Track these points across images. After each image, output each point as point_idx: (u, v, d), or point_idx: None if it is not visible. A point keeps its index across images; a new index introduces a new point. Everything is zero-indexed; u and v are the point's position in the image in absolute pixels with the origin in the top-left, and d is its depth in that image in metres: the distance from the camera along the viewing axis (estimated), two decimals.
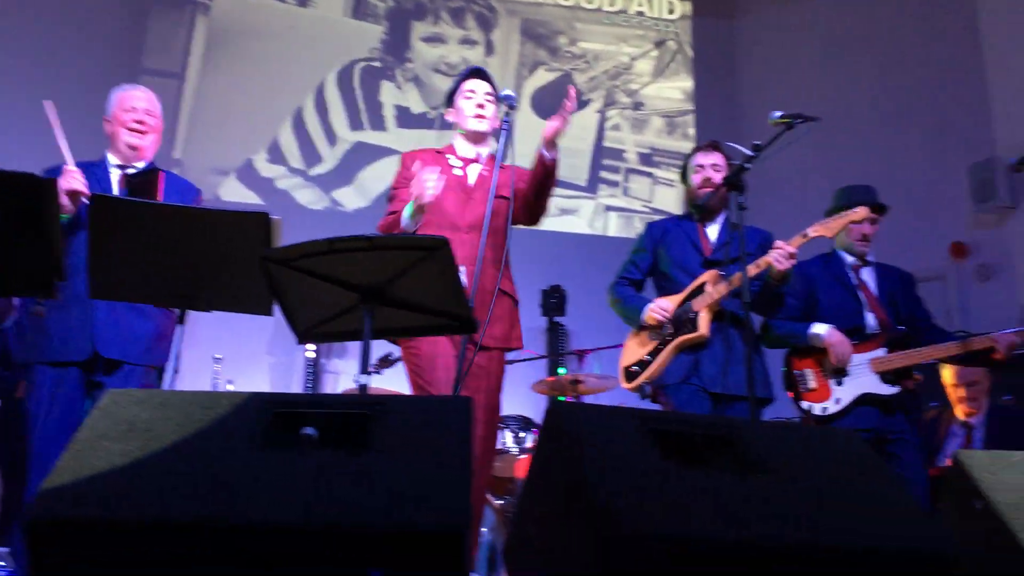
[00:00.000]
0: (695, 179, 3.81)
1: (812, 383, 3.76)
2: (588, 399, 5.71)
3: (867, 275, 3.96)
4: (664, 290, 3.79)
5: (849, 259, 3.98)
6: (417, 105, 7.30)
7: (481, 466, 3.01)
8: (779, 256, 3.35)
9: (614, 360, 6.25)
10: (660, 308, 3.62)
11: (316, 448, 1.62)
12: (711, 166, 3.76)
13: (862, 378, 3.68)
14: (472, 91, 3.33)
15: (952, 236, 6.49)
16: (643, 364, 3.68)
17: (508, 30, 7.95)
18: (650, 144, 8.03)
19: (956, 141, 6.37)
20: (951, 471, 2.11)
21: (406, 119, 7.27)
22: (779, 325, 3.86)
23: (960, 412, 4.56)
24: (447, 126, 3.54)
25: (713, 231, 3.79)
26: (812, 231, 3.45)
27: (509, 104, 3.07)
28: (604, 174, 7.86)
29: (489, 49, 7.84)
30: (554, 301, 6.81)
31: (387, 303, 2.43)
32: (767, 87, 7.82)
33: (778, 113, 3.22)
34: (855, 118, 7.20)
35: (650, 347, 3.68)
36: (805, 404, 3.75)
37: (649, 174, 7.94)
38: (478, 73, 3.39)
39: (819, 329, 3.75)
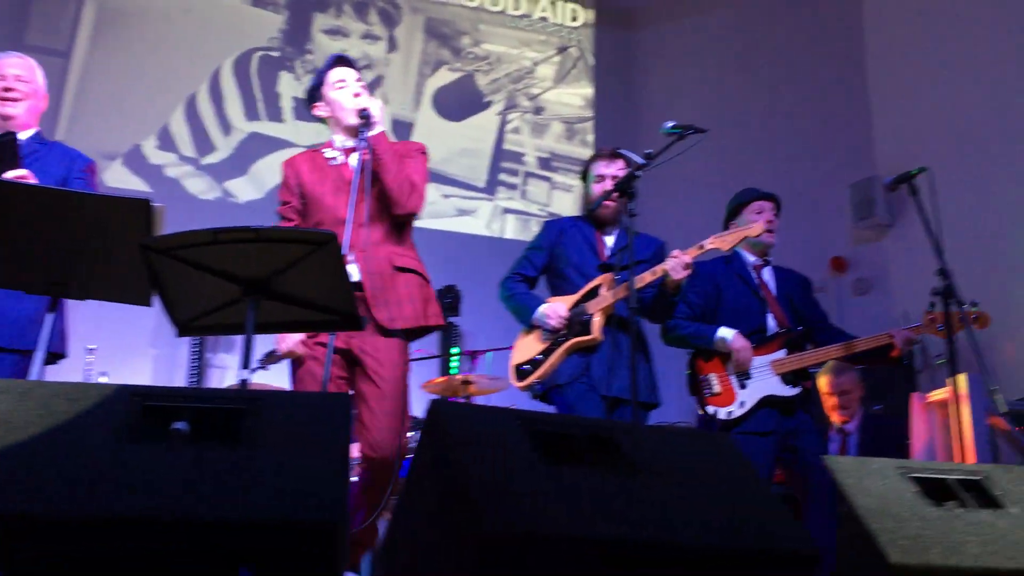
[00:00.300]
0: (595, 188, 3.80)
1: (717, 387, 3.77)
2: (480, 400, 5.73)
3: (768, 276, 3.99)
4: (557, 289, 3.78)
5: (751, 259, 3.98)
6: None
7: (384, 459, 2.90)
8: (676, 265, 3.38)
9: (506, 361, 6.32)
10: (556, 314, 3.60)
11: (187, 443, 1.57)
12: (611, 177, 3.74)
13: (764, 380, 3.71)
14: (342, 80, 3.22)
15: (833, 251, 6.76)
16: (534, 363, 3.67)
17: (412, 27, 7.91)
18: (550, 149, 8.11)
19: (839, 158, 6.62)
20: (820, 476, 2.19)
21: (304, 111, 7.12)
22: (684, 325, 3.85)
23: (835, 419, 4.76)
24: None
25: (610, 236, 3.80)
26: (708, 243, 3.49)
27: (364, 117, 3.02)
28: (503, 176, 7.90)
29: (392, 45, 7.78)
30: (448, 301, 6.79)
31: (272, 297, 2.38)
32: (663, 98, 7.99)
33: (670, 124, 3.29)
34: (745, 131, 7.44)
35: (542, 346, 3.66)
36: (711, 408, 3.75)
37: (547, 178, 8.02)
38: (343, 61, 3.29)
39: (726, 334, 3.76)
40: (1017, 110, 5.63)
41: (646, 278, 3.47)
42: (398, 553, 1.85)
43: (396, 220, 3.13)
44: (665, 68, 8.26)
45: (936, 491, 2.14)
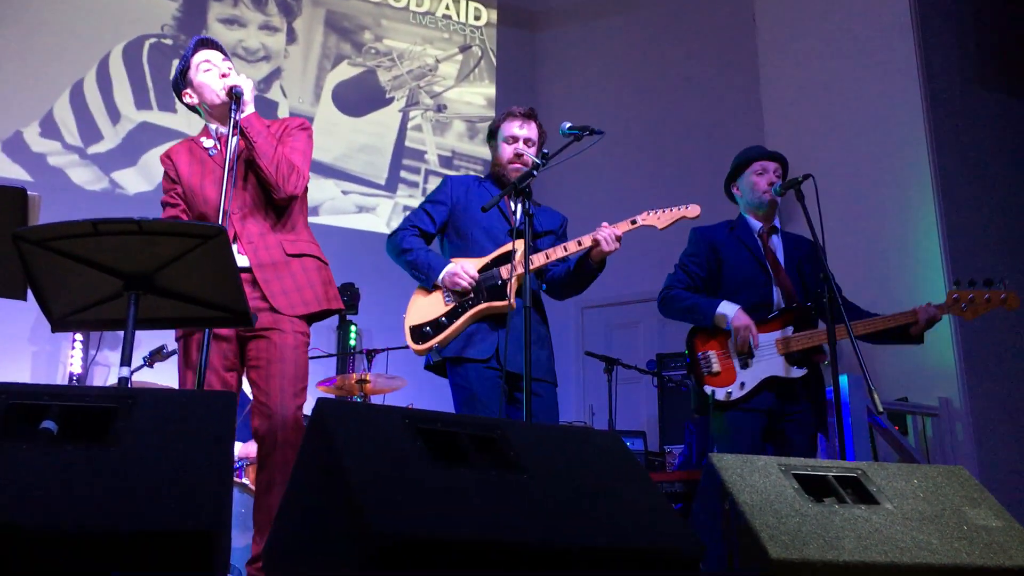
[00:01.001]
0: (505, 151, 3.51)
1: (716, 366, 3.48)
2: (377, 399, 5.67)
3: (775, 243, 3.67)
4: (458, 250, 3.49)
5: (757, 225, 3.66)
6: None
7: (285, 424, 2.79)
8: (608, 236, 3.20)
9: (405, 360, 6.28)
10: (469, 275, 3.30)
11: (55, 443, 1.49)
12: (525, 140, 3.50)
13: (768, 360, 3.43)
14: (208, 62, 3.08)
15: None
16: (437, 326, 3.36)
17: (312, 20, 7.76)
18: (451, 147, 8.08)
19: (731, 154, 6.83)
20: (705, 472, 2.23)
21: None
22: (682, 296, 3.59)
23: None
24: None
25: (515, 203, 3.43)
26: (642, 219, 3.28)
27: (237, 94, 2.89)
28: (404, 174, 7.83)
29: (291, 37, 7.63)
30: (346, 299, 6.69)
31: (155, 291, 2.30)
32: (564, 98, 8.08)
33: (567, 125, 3.29)
34: (642, 133, 7.59)
35: (445, 308, 3.37)
36: (708, 388, 3.45)
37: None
38: (207, 43, 3.15)
39: (727, 310, 3.47)
40: (894, 122, 5.88)
41: (570, 248, 3.27)
42: (283, 554, 1.81)
43: (283, 205, 3.02)
44: (566, 69, 8.34)
45: (816, 488, 2.21)
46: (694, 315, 3.56)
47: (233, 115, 2.88)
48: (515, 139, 3.51)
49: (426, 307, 3.42)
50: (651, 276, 3.63)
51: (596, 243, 3.22)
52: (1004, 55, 6.18)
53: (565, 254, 3.29)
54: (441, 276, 3.36)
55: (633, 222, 3.28)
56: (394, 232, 3.54)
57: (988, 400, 5.25)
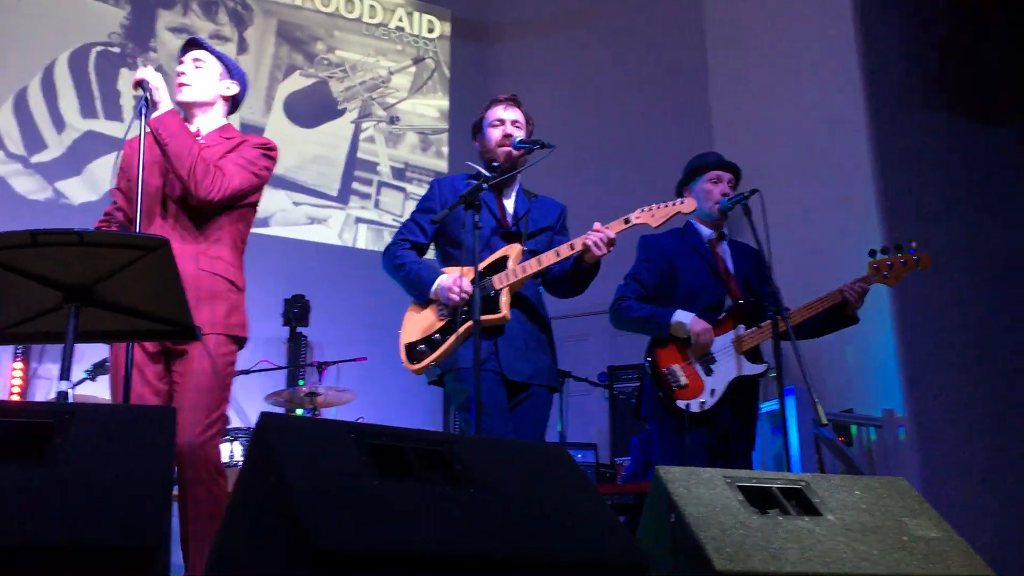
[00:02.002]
0: (494, 134, 3.35)
1: (683, 379, 3.46)
2: (327, 412, 5.62)
3: (723, 250, 3.72)
4: (452, 259, 3.33)
5: (706, 232, 3.71)
6: None
7: (193, 492, 2.67)
8: (598, 241, 3.08)
9: (355, 373, 6.25)
10: (460, 288, 3.10)
11: None
12: (512, 122, 3.35)
13: (730, 362, 3.46)
14: (182, 62, 3.01)
15: None
16: (431, 343, 3.19)
17: (263, 30, 7.71)
18: (404, 159, 8.07)
19: (682, 164, 6.93)
20: (652, 485, 2.24)
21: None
22: (636, 307, 3.58)
23: None
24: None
25: (509, 200, 3.39)
26: (635, 217, 3.19)
27: (144, 88, 2.78)
28: (356, 185, 7.80)
29: (242, 47, 7.56)
30: (296, 311, 6.65)
31: (96, 304, 2.26)
32: None
33: (518, 138, 3.30)
34: (594, 146, 7.66)
35: (439, 324, 3.20)
36: (681, 403, 3.42)
37: (402, 189, 7.97)
38: (188, 45, 3.07)
39: (683, 317, 3.47)
40: (838, 138, 5.99)
41: (563, 252, 3.14)
42: (226, 571, 1.78)
43: (207, 213, 2.87)
44: (519, 82, 8.37)
45: (761, 499, 2.23)
46: (649, 325, 3.55)
47: (143, 111, 2.76)
48: (501, 121, 3.36)
49: (420, 323, 3.26)
50: (601, 288, 3.62)
51: (586, 248, 3.11)
52: (947, 75, 6.33)
53: (556, 260, 3.16)
54: (433, 289, 3.20)
55: (627, 221, 3.18)
56: (386, 248, 3.41)
57: (931, 410, 5.35)
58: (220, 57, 3.08)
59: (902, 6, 6.33)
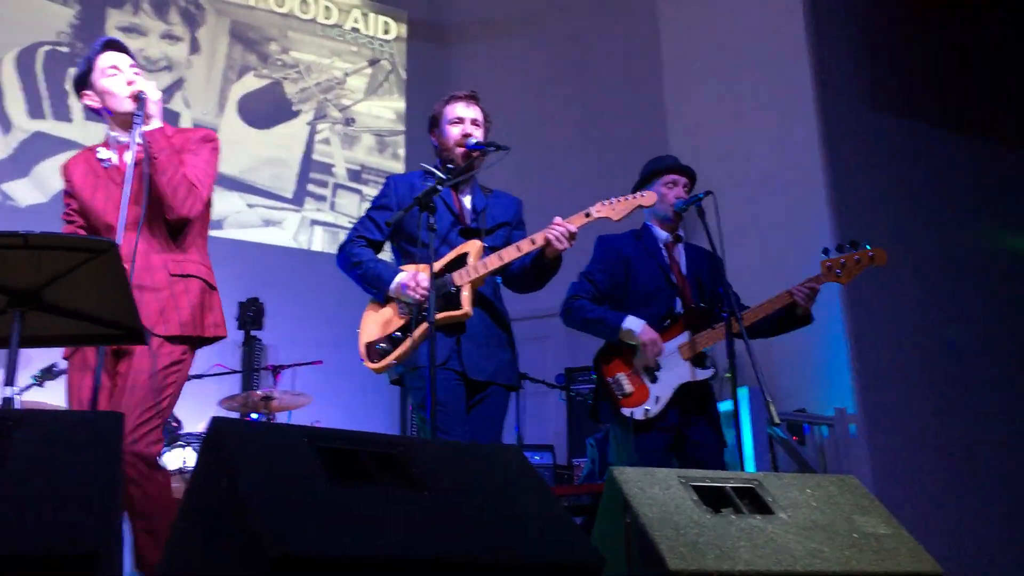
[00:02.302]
0: (452, 132, 3.32)
1: (628, 387, 3.48)
2: (282, 416, 5.57)
3: (679, 254, 3.73)
4: (409, 256, 3.26)
5: (662, 235, 3.72)
6: None
7: (141, 506, 2.59)
8: (559, 235, 3.06)
9: (310, 376, 6.19)
10: (420, 285, 3.06)
11: None
12: (471, 121, 3.34)
13: (676, 369, 3.47)
14: (115, 67, 2.91)
15: None
16: (393, 340, 3.14)
17: (216, 30, 7.62)
18: (360, 161, 8.03)
19: (637, 167, 7.03)
20: (607, 485, 2.25)
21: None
22: (588, 307, 3.58)
23: None
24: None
25: (466, 196, 3.36)
26: (596, 211, 3.15)
27: (142, 99, 2.76)
28: (312, 187, 7.75)
29: (194, 47, 7.47)
30: (251, 314, 6.57)
31: (43, 308, 2.21)
32: None
33: (473, 141, 3.29)
34: (550, 149, 7.69)
35: (400, 322, 3.15)
36: (626, 411, 3.44)
37: (358, 191, 7.93)
38: (114, 45, 2.97)
39: (633, 325, 3.48)
40: (790, 140, 6.08)
41: (524, 247, 3.11)
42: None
43: (176, 224, 2.86)
44: (476, 84, 8.32)
45: (714, 499, 2.25)
46: (599, 327, 3.56)
47: (136, 124, 2.73)
48: (461, 120, 3.34)
49: (380, 321, 3.22)
50: (559, 290, 3.63)
51: (548, 242, 3.09)
52: (896, 78, 6.45)
53: (518, 255, 3.13)
54: (392, 287, 3.16)
55: (587, 215, 3.14)
56: (341, 245, 3.36)
57: (881, 409, 5.44)
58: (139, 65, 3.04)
59: (851, 11, 6.44)
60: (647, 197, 3.22)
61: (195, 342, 2.86)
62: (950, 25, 6.63)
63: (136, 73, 2.93)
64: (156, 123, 2.83)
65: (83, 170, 2.94)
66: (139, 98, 2.78)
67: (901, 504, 4.33)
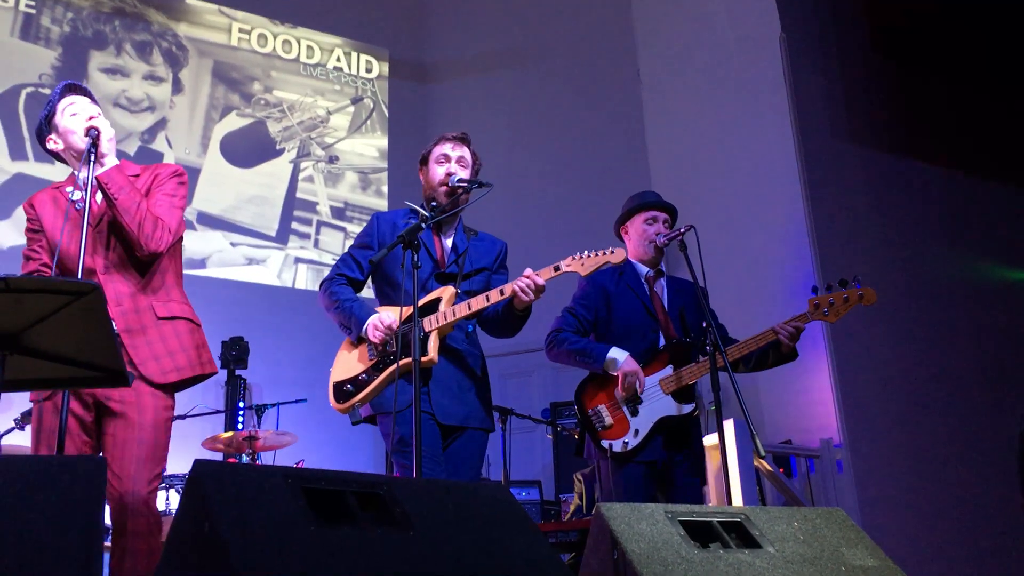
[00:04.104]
0: (437, 171, 3.34)
1: (608, 419, 3.50)
2: (266, 456, 5.52)
3: (660, 288, 3.76)
4: (387, 298, 3.29)
5: (643, 270, 3.75)
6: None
7: (132, 543, 2.59)
8: (526, 287, 3.05)
9: (295, 415, 6.15)
10: (384, 326, 3.08)
11: None
12: (458, 160, 3.34)
13: (656, 402, 3.48)
14: (74, 104, 2.93)
15: None
16: (357, 383, 3.16)
17: (199, 70, 7.66)
18: (343, 198, 8.05)
19: (619, 203, 7.10)
20: (594, 521, 2.24)
21: None
22: (572, 339, 3.60)
23: None
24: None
25: (448, 237, 3.36)
26: (565, 265, 3.16)
27: (92, 136, 2.76)
28: (296, 225, 7.75)
29: (177, 87, 7.49)
30: (235, 353, 6.54)
31: (23, 351, 2.19)
32: None
33: (457, 178, 3.31)
34: (532, 184, 7.74)
35: (368, 364, 3.16)
36: (605, 443, 3.46)
37: (342, 228, 7.94)
38: (74, 88, 2.99)
39: (617, 355, 3.50)
40: (771, 173, 6.14)
41: (492, 297, 3.11)
42: None
43: (147, 262, 2.85)
44: (458, 121, 8.42)
45: (701, 533, 2.24)
46: (584, 359, 3.57)
47: (91, 161, 2.72)
48: (447, 158, 3.35)
49: (350, 362, 3.22)
50: (544, 326, 3.65)
51: (515, 293, 3.08)
52: (870, 111, 6.55)
53: (487, 304, 3.13)
54: (364, 328, 3.14)
55: (556, 268, 3.14)
56: (323, 282, 3.36)
57: (867, 440, 5.45)
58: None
59: (827, 47, 6.55)
60: (616, 254, 3.19)
61: (189, 383, 2.85)
62: (924, 58, 6.75)
63: (96, 114, 2.91)
64: (112, 160, 2.82)
65: (51, 209, 2.91)
66: (89, 134, 2.77)
67: (887, 536, 4.33)
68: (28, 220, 2.95)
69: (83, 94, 2.98)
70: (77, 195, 2.88)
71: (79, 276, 2.56)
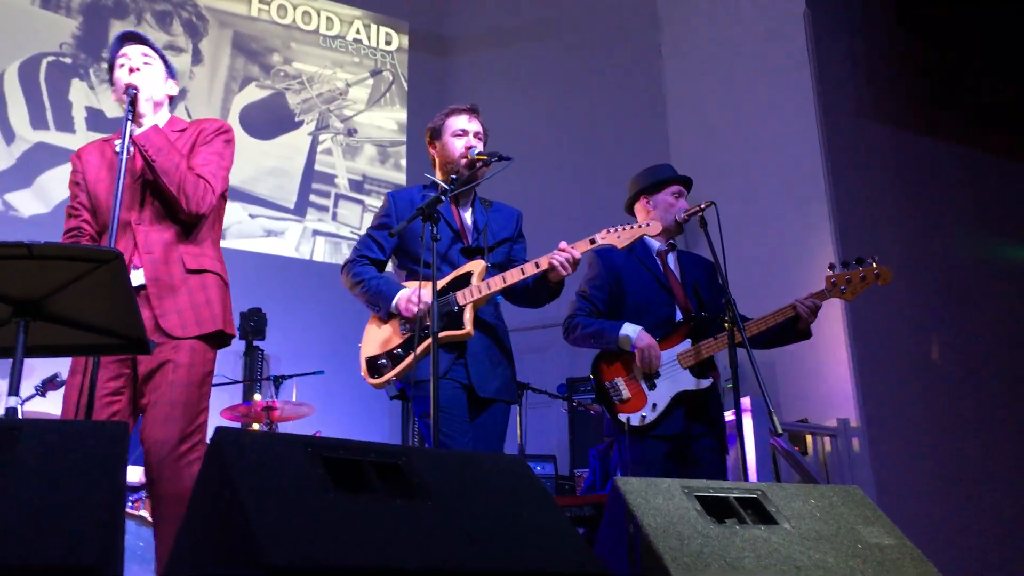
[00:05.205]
0: (457, 144, 3.34)
1: (625, 392, 3.47)
2: (284, 427, 5.56)
3: (672, 262, 3.73)
4: (413, 275, 3.28)
5: (656, 244, 3.72)
6: (112, 109, 6.78)
7: (170, 487, 2.59)
8: (564, 261, 3.09)
9: (312, 386, 6.18)
10: (421, 301, 3.08)
11: None
12: (475, 134, 3.35)
13: (674, 376, 3.46)
14: (125, 55, 2.88)
15: None
16: (393, 357, 3.17)
17: (219, 41, 7.64)
18: (362, 171, 8.04)
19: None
20: (610, 496, 2.25)
21: (98, 122, 6.73)
22: (585, 323, 3.59)
23: None
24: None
25: (467, 211, 3.37)
26: (601, 238, 3.17)
27: (130, 95, 2.73)
28: (314, 198, 7.75)
29: (196, 58, 7.49)
30: (253, 324, 6.57)
31: (46, 318, 2.21)
32: None
33: (476, 151, 3.30)
34: (553, 159, 7.70)
35: (401, 339, 3.17)
36: (622, 416, 3.43)
37: (360, 201, 7.94)
38: (129, 38, 2.93)
39: (629, 331, 3.48)
40: (793, 151, 6.09)
41: (527, 270, 3.12)
42: None
43: (189, 220, 2.82)
44: (477, 94, 8.38)
45: (718, 509, 2.24)
46: (599, 340, 3.56)
47: (127, 120, 2.67)
48: (465, 132, 3.36)
49: (381, 337, 3.23)
50: (561, 301, 3.65)
51: (552, 267, 3.11)
52: (895, 89, 6.47)
53: (523, 277, 3.14)
54: (394, 303, 3.17)
55: (592, 241, 3.17)
56: (344, 264, 3.38)
57: (884, 419, 5.44)
58: (163, 56, 2.98)
59: (851, 22, 6.46)
60: (652, 227, 3.23)
61: (222, 339, 2.84)
62: (951, 33, 6.65)
63: (146, 63, 2.87)
64: (150, 120, 2.79)
65: (97, 162, 2.89)
66: (128, 93, 2.74)
67: (903, 515, 4.32)
68: (72, 172, 2.92)
69: (136, 42, 2.92)
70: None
71: (113, 229, 2.54)
